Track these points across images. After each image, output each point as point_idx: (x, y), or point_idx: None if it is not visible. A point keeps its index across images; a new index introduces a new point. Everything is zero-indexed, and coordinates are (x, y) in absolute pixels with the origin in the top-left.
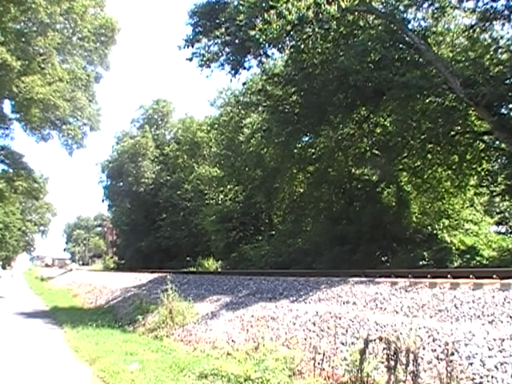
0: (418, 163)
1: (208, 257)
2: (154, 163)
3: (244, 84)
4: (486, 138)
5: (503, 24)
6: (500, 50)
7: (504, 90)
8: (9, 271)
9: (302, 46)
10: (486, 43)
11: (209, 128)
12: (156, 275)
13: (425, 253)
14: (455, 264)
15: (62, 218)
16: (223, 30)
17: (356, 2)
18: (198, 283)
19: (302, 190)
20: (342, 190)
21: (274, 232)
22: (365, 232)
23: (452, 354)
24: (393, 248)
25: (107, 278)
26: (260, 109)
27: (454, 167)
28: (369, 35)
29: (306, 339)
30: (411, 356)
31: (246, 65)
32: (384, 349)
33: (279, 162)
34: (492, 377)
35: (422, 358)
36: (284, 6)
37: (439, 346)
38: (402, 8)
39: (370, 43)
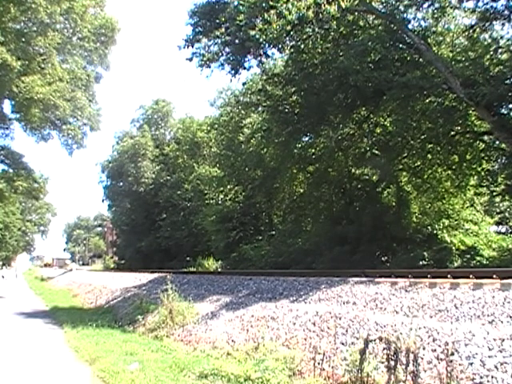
0: (418, 163)
1: (208, 257)
2: (154, 163)
3: (244, 84)
4: (486, 138)
5: (503, 24)
6: (500, 50)
7: (504, 90)
8: (13, 271)
9: (302, 46)
10: (486, 43)
11: (209, 128)
12: (156, 275)
13: (425, 253)
14: (455, 264)
15: (62, 217)
16: (223, 29)
17: (356, 2)
18: (197, 283)
19: (302, 190)
20: (342, 190)
21: (274, 232)
22: (365, 232)
23: (452, 353)
24: (393, 248)
25: (107, 278)
26: (260, 109)
27: (454, 167)
28: (369, 35)
29: (305, 339)
30: (411, 356)
31: (246, 65)
32: (384, 349)
33: (279, 161)
34: (492, 377)
35: (422, 358)
36: (284, 6)
37: (439, 346)
38: (402, 8)
39: (369, 43)
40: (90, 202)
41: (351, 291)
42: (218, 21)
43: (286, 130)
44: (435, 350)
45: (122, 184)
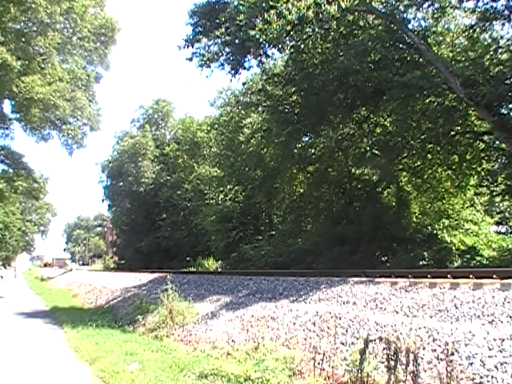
0: (418, 163)
1: (208, 257)
2: (154, 163)
3: (244, 84)
4: (486, 137)
5: (503, 24)
6: (500, 50)
7: (504, 90)
8: (12, 271)
9: (302, 46)
10: (486, 43)
11: (209, 128)
12: (156, 275)
13: (425, 253)
14: (455, 264)
15: (62, 217)
16: (223, 29)
17: (356, 2)
18: (197, 283)
19: (302, 190)
20: (342, 190)
21: (274, 232)
22: (365, 232)
23: (452, 353)
24: (393, 248)
25: (107, 278)
26: (260, 109)
27: (454, 167)
28: (369, 35)
29: (305, 339)
30: (411, 356)
31: (246, 65)
32: (384, 349)
33: (279, 161)
34: (492, 377)
35: (422, 358)
36: (284, 6)
37: (439, 346)
38: (402, 8)
39: (370, 43)
40: (90, 201)
41: (351, 291)
42: (218, 21)
43: (286, 129)
44: (435, 350)
45: (122, 184)
